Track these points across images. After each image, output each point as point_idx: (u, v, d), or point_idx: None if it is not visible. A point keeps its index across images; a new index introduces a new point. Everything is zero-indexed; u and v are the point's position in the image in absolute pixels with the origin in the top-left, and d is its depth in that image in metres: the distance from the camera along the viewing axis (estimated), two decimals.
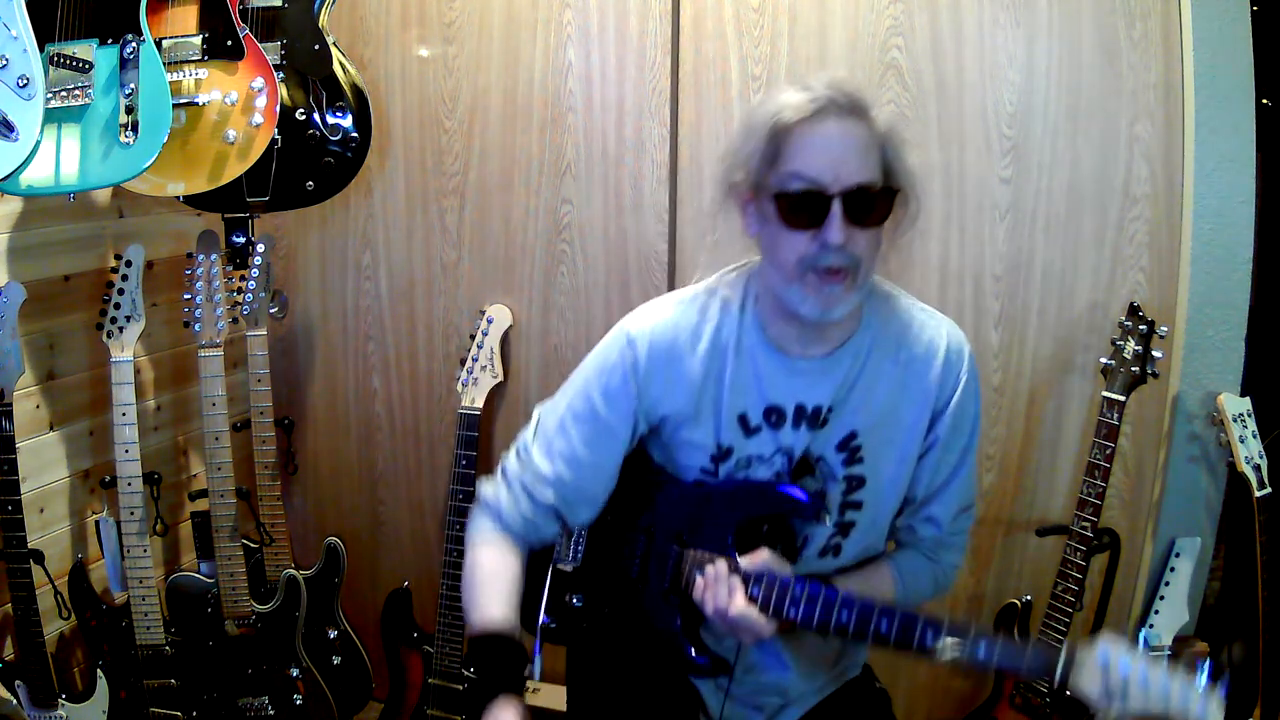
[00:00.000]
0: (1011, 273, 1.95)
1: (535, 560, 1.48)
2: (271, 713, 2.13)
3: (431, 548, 2.39)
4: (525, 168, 2.18)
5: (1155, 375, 1.76)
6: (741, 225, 1.29)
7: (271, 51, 1.81)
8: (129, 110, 1.57)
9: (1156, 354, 1.75)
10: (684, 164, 2.07)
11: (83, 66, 1.58)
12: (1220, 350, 1.85)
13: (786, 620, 1.22)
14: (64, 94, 1.57)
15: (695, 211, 2.08)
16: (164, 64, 1.62)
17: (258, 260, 2.06)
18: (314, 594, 2.19)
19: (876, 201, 1.20)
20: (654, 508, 1.38)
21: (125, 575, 2.01)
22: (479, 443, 2.13)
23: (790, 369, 1.31)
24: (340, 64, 1.88)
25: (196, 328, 2.02)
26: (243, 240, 2.01)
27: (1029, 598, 1.95)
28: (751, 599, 1.22)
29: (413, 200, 2.27)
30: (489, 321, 2.18)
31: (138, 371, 2.08)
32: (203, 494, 2.13)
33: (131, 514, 1.98)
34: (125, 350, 1.95)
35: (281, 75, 1.80)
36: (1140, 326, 1.75)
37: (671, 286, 2.12)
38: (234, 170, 1.74)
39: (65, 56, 1.57)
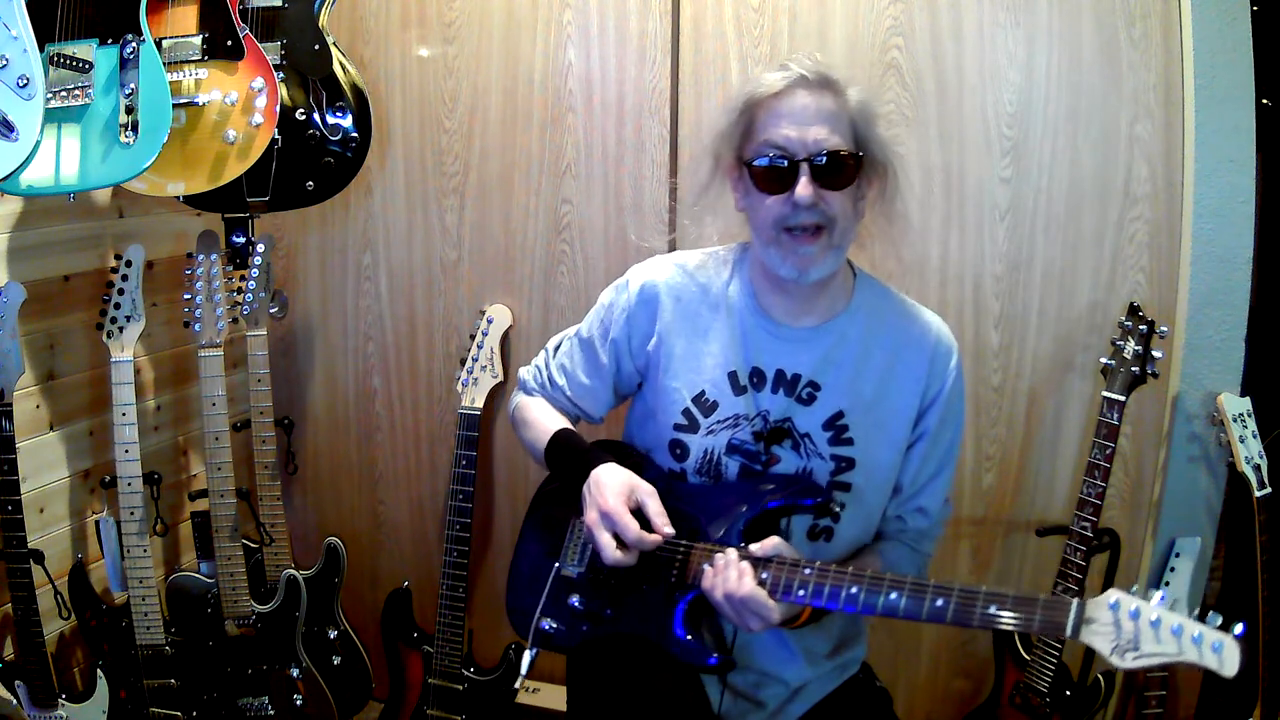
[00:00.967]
0: (1011, 272, 1.95)
1: (536, 562, 1.49)
2: (271, 713, 2.13)
3: (431, 548, 2.39)
4: (525, 168, 2.18)
5: (1155, 375, 1.76)
6: (734, 202, 1.39)
7: (271, 51, 1.81)
8: (129, 110, 1.57)
9: (1156, 354, 1.75)
10: (684, 164, 2.07)
11: (83, 66, 1.58)
12: (1220, 350, 1.85)
13: (796, 603, 1.23)
14: (64, 94, 1.57)
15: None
16: (164, 64, 1.62)
17: (258, 260, 2.05)
18: (314, 594, 2.19)
19: (844, 165, 1.28)
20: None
21: (125, 575, 2.01)
22: (479, 443, 2.13)
23: (775, 334, 1.40)
24: (340, 64, 1.88)
25: (196, 328, 2.02)
26: (243, 240, 2.00)
27: None
28: (761, 583, 1.24)
29: (413, 200, 2.27)
30: (489, 321, 2.18)
31: (138, 371, 2.08)
32: (203, 494, 2.13)
33: (131, 514, 1.98)
34: (125, 350, 1.95)
35: (281, 75, 1.80)
36: (1140, 326, 1.76)
37: None
38: (234, 170, 1.73)
39: (65, 56, 1.57)
